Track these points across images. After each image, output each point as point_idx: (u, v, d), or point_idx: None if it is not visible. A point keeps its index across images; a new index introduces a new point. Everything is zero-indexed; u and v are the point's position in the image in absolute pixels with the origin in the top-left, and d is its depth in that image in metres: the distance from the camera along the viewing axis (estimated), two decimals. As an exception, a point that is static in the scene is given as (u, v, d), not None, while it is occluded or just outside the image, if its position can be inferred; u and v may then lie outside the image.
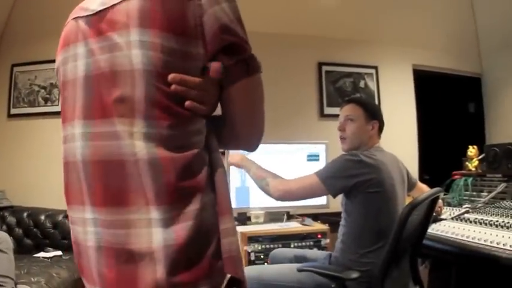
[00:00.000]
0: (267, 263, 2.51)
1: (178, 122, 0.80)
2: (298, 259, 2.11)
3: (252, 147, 1.00)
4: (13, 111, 3.53)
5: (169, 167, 0.78)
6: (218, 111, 0.91)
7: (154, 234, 0.77)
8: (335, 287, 1.75)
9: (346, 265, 1.82)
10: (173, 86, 0.78)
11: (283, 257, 2.26)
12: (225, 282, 0.83)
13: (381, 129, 2.11)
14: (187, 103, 0.80)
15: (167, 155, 0.78)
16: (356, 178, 1.81)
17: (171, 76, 0.77)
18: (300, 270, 1.81)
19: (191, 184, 0.80)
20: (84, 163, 0.82)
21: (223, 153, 3.01)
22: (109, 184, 0.80)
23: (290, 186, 1.96)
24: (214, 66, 0.82)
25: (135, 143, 0.77)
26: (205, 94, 0.83)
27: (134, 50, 0.77)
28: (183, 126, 0.81)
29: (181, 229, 0.77)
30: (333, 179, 1.86)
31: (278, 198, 1.99)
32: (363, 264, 1.79)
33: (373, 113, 2.08)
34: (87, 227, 0.83)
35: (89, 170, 0.82)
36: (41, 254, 2.98)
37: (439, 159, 3.87)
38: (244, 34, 0.86)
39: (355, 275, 1.67)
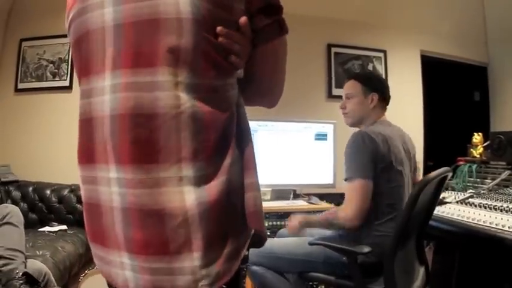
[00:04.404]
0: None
1: (221, 75, 0.81)
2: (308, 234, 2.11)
3: (273, 103, 1.02)
4: (20, 85, 3.50)
5: (212, 123, 0.78)
6: None
7: (186, 193, 0.74)
8: (345, 261, 1.76)
9: (356, 238, 1.82)
10: (220, 38, 0.78)
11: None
12: (249, 238, 0.84)
13: (384, 100, 2.08)
14: (232, 57, 0.81)
15: (210, 110, 0.78)
16: (372, 153, 1.80)
17: (219, 28, 0.78)
18: (311, 244, 1.82)
19: (227, 140, 0.81)
20: (112, 117, 0.77)
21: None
22: (138, 139, 0.76)
23: (346, 213, 1.81)
24: (244, 20, 0.82)
25: (180, 94, 0.75)
26: (244, 49, 0.84)
27: None
28: (224, 78, 0.82)
29: (215, 185, 0.77)
30: (361, 165, 1.81)
31: (352, 228, 1.83)
32: (374, 238, 1.80)
33: (371, 86, 2.05)
34: (111, 187, 0.79)
35: (116, 124, 0.77)
36: (46, 228, 2.98)
37: (443, 145, 3.86)
38: None
39: (367, 249, 1.68)
